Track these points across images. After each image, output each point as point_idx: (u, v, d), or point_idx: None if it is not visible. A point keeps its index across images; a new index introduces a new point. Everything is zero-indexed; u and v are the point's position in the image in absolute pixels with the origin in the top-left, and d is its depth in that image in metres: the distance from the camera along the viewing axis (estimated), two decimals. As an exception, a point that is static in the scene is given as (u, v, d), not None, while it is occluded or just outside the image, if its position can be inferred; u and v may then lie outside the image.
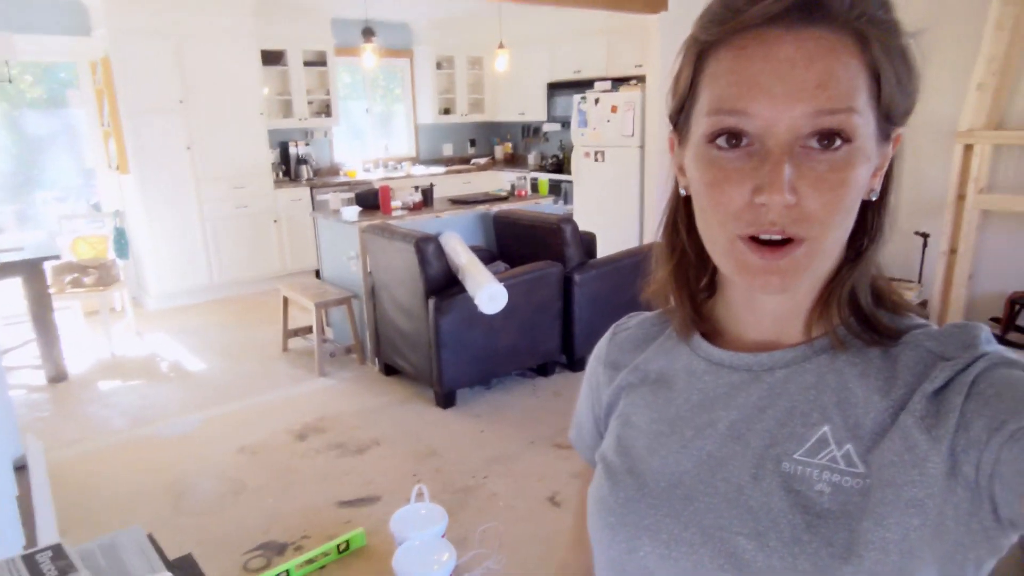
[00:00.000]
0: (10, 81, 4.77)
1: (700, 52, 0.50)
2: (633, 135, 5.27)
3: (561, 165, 6.73)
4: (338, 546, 2.31)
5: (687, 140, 0.53)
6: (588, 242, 4.11)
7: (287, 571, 2.18)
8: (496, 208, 4.23)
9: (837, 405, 0.51)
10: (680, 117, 0.54)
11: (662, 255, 0.62)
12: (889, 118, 0.49)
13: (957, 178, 3.73)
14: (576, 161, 5.90)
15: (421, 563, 2.00)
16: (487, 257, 3.89)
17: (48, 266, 4.17)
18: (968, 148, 3.66)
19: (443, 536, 2.16)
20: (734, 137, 0.48)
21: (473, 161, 7.44)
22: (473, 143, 7.72)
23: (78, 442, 3.16)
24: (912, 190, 3.70)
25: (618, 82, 5.61)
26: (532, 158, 7.15)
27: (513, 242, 4.02)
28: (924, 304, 3.94)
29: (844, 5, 0.46)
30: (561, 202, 6.08)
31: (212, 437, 3.18)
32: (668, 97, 0.55)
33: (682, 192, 0.57)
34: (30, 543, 2.31)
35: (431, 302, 3.26)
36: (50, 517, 2.52)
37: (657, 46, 4.71)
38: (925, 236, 3.86)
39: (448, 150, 7.54)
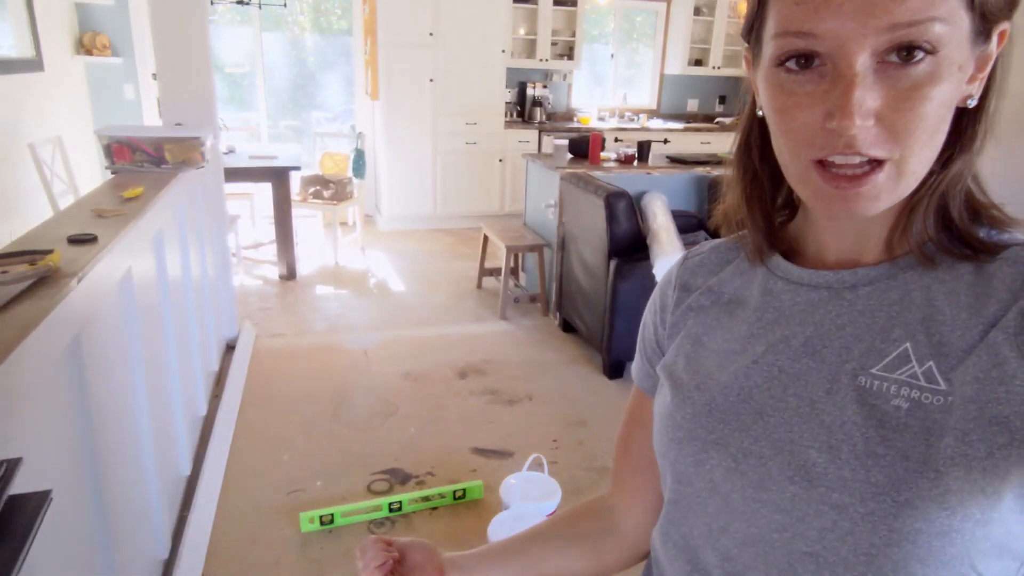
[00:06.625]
0: (284, 5, 5.36)
1: None
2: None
3: (819, 133, 5.83)
4: (455, 492, 2.28)
5: (759, 61, 0.50)
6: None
7: (400, 503, 2.21)
8: (716, 172, 3.77)
9: (921, 322, 0.49)
10: (751, 36, 0.51)
11: (733, 177, 0.60)
12: (986, 16, 0.44)
13: None
14: (835, 130, 5.06)
15: (516, 538, 1.87)
16: (692, 225, 3.50)
17: (298, 176, 4.72)
18: None
19: (551, 514, 2.01)
20: (804, 58, 0.45)
21: (718, 120, 6.80)
22: (723, 100, 7.04)
23: (283, 335, 3.56)
24: None
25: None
26: (787, 122, 6.30)
27: (726, 213, 3.56)
28: None
29: None
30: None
31: (386, 356, 3.36)
32: (744, 14, 0.52)
33: (758, 112, 0.54)
34: (212, 411, 2.64)
35: (612, 263, 3.02)
36: (237, 394, 2.85)
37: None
38: None
39: (693, 106, 6.98)
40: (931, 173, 0.49)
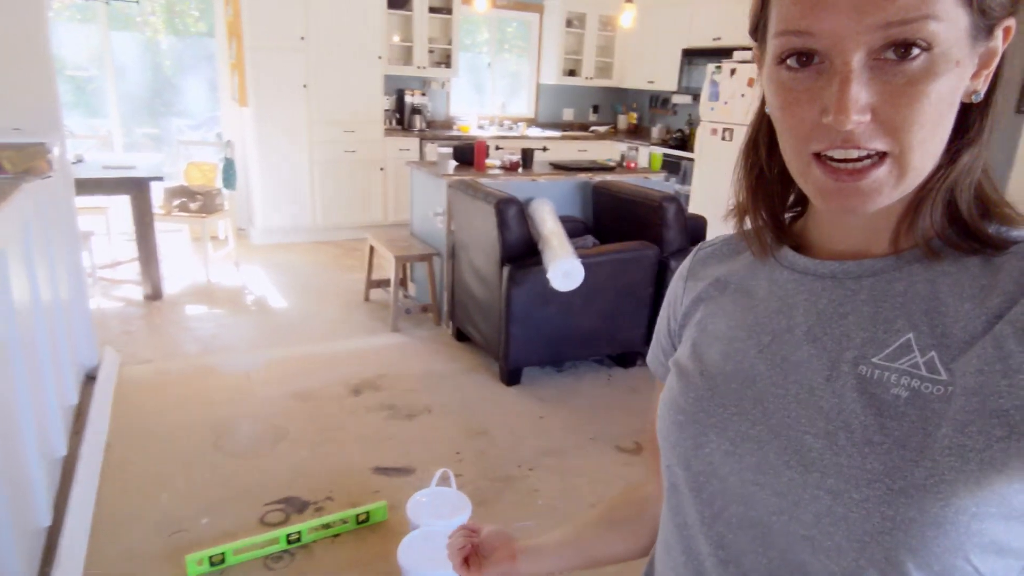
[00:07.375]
0: (137, 2, 4.95)
1: None
2: (769, 114, 4.69)
3: (686, 141, 6.20)
4: (358, 516, 2.16)
5: (765, 59, 0.51)
6: (696, 226, 3.69)
7: (299, 533, 2.06)
8: (598, 178, 3.89)
9: (926, 314, 0.49)
10: (758, 35, 0.52)
11: (740, 173, 0.61)
12: (986, 13, 0.44)
13: None
14: (701, 138, 5.39)
15: (428, 556, 1.80)
16: (580, 230, 3.59)
17: (161, 188, 4.33)
18: None
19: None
20: (804, 56, 0.46)
21: (592, 129, 7.05)
22: (596, 109, 7.31)
23: (151, 361, 3.24)
24: None
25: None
26: (656, 131, 6.66)
27: (610, 217, 3.68)
28: None
29: None
30: (676, 180, 5.60)
31: (271, 378, 3.15)
32: (749, 13, 0.54)
33: (768, 110, 0.53)
34: (73, 451, 2.35)
35: (506, 270, 3.02)
36: (101, 429, 2.56)
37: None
38: None
39: (569, 115, 7.19)
40: (939, 167, 0.49)
